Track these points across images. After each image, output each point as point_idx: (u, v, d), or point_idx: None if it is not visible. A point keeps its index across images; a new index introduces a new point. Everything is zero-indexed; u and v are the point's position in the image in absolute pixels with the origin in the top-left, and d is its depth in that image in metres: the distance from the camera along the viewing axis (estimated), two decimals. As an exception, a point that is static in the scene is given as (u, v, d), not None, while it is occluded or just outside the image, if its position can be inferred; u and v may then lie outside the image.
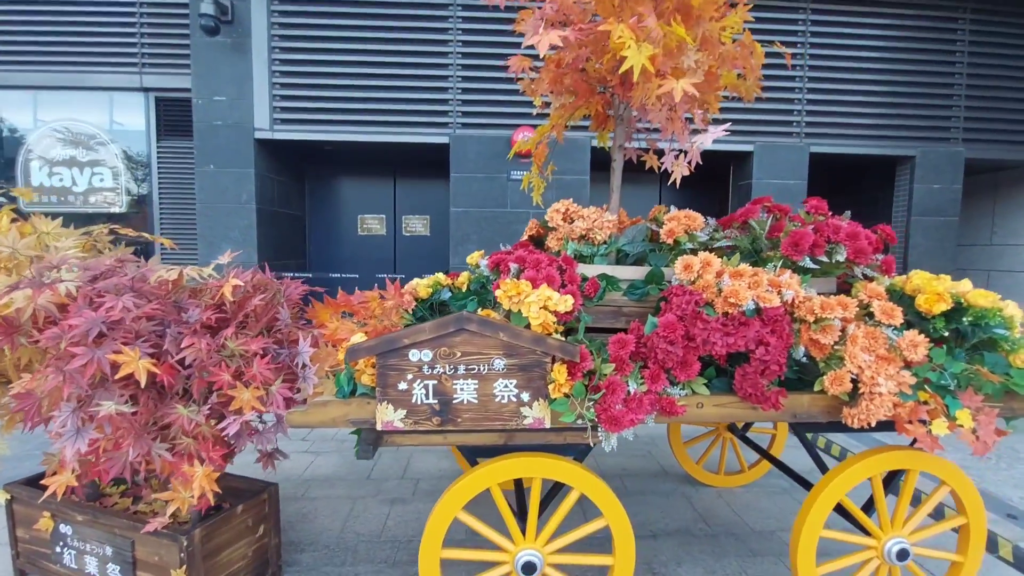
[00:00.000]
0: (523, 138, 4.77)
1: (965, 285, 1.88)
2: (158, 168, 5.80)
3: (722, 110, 4.99)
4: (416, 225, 6.12)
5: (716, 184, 5.82)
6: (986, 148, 5.25)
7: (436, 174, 5.71)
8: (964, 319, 1.81)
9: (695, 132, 2.05)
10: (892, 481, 2.10)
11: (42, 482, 1.69)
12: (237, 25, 4.63)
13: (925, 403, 1.75)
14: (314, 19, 4.73)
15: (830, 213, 2.18)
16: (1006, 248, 6.39)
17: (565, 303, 1.75)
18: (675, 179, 2.08)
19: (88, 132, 5.87)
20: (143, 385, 1.58)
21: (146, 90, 5.71)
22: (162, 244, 2.47)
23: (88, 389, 1.57)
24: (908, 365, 1.80)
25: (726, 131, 1.88)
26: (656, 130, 2.22)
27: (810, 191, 6.38)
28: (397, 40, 4.75)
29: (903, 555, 1.88)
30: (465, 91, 4.81)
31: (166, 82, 5.62)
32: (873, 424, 1.71)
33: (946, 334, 1.84)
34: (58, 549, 2.08)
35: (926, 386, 1.76)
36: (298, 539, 2.56)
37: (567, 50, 2.10)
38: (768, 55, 4.75)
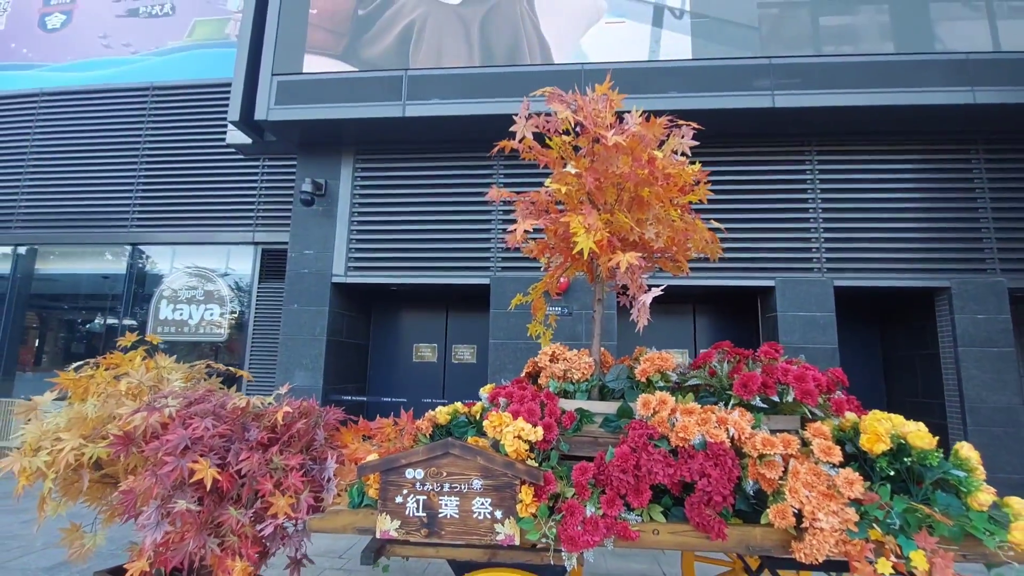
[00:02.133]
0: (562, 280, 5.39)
1: (909, 426, 2.03)
2: (256, 305, 6.97)
3: (740, 248, 5.42)
4: (464, 353, 6.71)
5: (747, 316, 6.03)
6: (1027, 278, 5.18)
7: (483, 308, 6.41)
8: (905, 459, 1.95)
9: (655, 286, 2.49)
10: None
11: (125, 565, 2.16)
12: (328, 197, 5.89)
13: (879, 542, 1.85)
14: (385, 189, 5.92)
15: (784, 357, 2.44)
16: (1096, 381, 5.84)
17: (536, 433, 2.12)
18: (640, 326, 2.48)
19: (207, 276, 7.27)
20: (208, 489, 2.08)
21: (256, 243, 7.12)
22: (243, 376, 3.14)
23: (170, 490, 2.09)
24: (860, 503, 1.92)
25: (662, 290, 2.31)
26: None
27: (849, 321, 6.39)
28: (448, 203, 5.79)
29: None
30: (504, 240, 5.63)
31: (271, 237, 7.01)
32: (820, 560, 1.82)
33: (891, 474, 1.97)
34: (121, 636, 2.47)
35: (875, 525, 1.87)
36: (316, 652, 2.77)
37: (559, 225, 2.71)
38: (787, 192, 5.15)
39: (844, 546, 1.83)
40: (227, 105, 5.90)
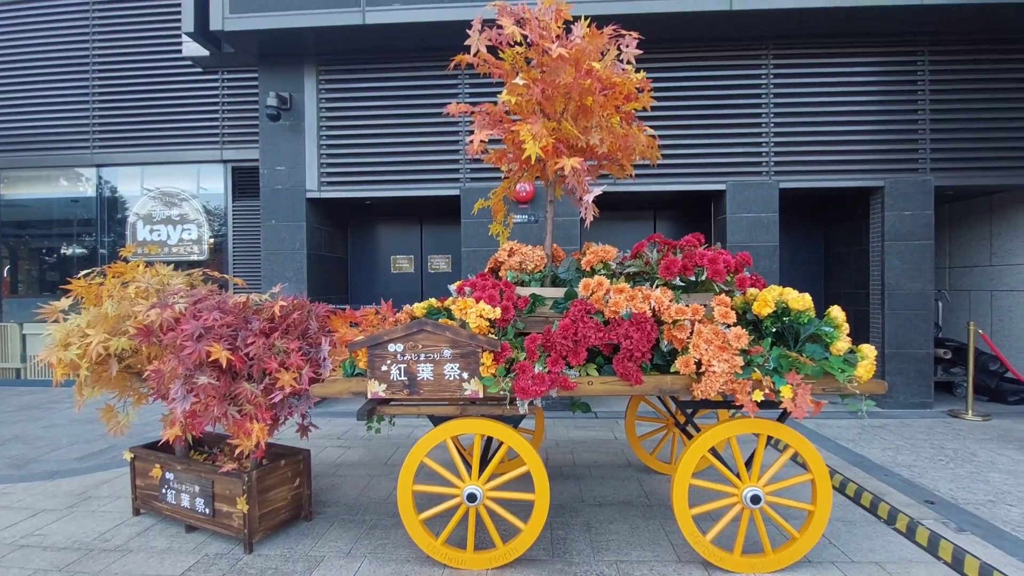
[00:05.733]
0: (521, 189, 5.68)
1: (792, 294, 2.52)
2: (233, 223, 7.13)
3: (696, 155, 5.73)
4: (439, 263, 7.10)
5: (701, 217, 6.47)
6: (954, 176, 5.65)
7: (456, 219, 6.70)
8: (784, 319, 2.46)
9: (600, 182, 2.85)
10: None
11: (161, 433, 2.63)
12: (294, 112, 5.89)
13: (759, 381, 2.40)
14: (352, 102, 5.92)
15: (706, 244, 2.88)
16: (1005, 268, 6.58)
17: (495, 313, 2.56)
18: (588, 221, 2.86)
19: (180, 196, 7.32)
20: (224, 368, 2.51)
21: (225, 161, 7.13)
22: (235, 283, 3.48)
23: (192, 369, 2.51)
24: (749, 354, 2.45)
25: (601, 192, 2.67)
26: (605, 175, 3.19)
27: (797, 222, 6.92)
28: (416, 115, 5.86)
29: (756, 500, 2.48)
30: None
31: (240, 154, 7.02)
32: (712, 395, 2.37)
33: (774, 330, 2.49)
34: (164, 491, 3.02)
35: (757, 369, 2.41)
36: (326, 499, 3.39)
37: (512, 134, 2.98)
38: (741, 97, 5.40)
39: (731, 384, 2.38)
40: (179, 14, 5.66)
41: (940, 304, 6.68)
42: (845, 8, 5.14)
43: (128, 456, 3.15)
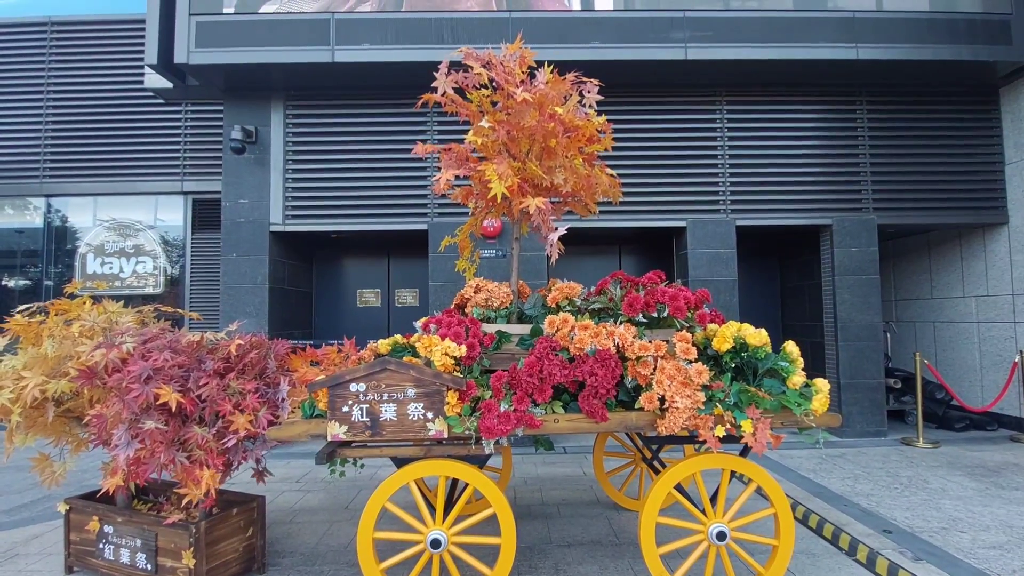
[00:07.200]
0: (488, 225, 5.74)
1: (749, 330, 2.60)
2: (191, 256, 6.91)
3: (656, 192, 5.92)
4: (407, 297, 7.03)
5: (664, 252, 6.66)
6: (893, 215, 6.04)
7: (423, 253, 6.68)
8: (743, 355, 2.53)
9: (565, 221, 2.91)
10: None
11: (101, 483, 2.45)
12: (260, 145, 5.84)
13: (719, 416, 2.44)
14: (321, 137, 5.93)
15: (667, 281, 2.97)
16: (944, 301, 6.99)
17: (460, 350, 2.54)
18: (553, 259, 2.90)
19: (135, 228, 7.07)
20: (173, 411, 2.39)
21: (185, 193, 6.95)
22: (191, 317, 3.35)
23: (138, 413, 2.37)
24: (710, 389, 2.49)
25: (565, 231, 2.73)
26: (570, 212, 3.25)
27: (755, 257, 7.20)
28: (385, 150, 5.90)
29: (722, 536, 2.49)
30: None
31: (202, 186, 6.87)
32: (676, 431, 2.39)
33: (733, 365, 2.55)
34: (101, 546, 2.79)
35: (718, 404, 2.45)
36: (282, 548, 3.21)
37: (478, 173, 3.03)
38: (698, 139, 5.67)
39: (694, 420, 2.41)
40: (142, 43, 5.61)
41: (888, 335, 7.00)
42: (785, 60, 5.53)
43: (62, 508, 2.91)
